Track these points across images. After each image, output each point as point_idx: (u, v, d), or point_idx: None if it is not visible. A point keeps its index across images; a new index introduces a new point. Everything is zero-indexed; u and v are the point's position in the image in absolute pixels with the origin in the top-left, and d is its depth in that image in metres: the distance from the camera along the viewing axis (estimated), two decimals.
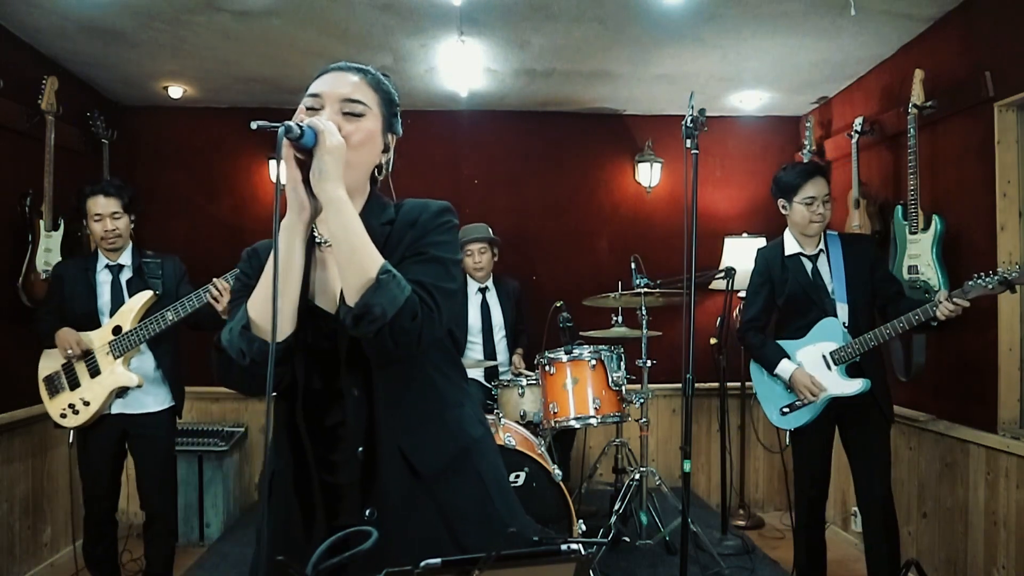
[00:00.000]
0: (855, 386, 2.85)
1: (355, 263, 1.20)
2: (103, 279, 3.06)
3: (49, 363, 3.06)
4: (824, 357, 2.89)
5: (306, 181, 1.22)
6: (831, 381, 2.88)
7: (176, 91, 4.27)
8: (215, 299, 2.87)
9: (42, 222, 3.46)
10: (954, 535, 3.24)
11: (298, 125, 1.18)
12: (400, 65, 3.90)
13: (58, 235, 3.52)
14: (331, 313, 1.31)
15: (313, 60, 3.75)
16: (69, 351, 2.94)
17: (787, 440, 3.10)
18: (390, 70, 3.97)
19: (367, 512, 1.27)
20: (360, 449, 1.29)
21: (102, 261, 3.07)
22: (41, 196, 3.45)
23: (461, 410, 1.41)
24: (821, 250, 2.98)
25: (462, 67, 3.86)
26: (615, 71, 4.06)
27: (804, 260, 2.98)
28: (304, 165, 1.22)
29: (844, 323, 2.89)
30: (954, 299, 2.56)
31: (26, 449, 3.52)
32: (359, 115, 1.31)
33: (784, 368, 2.94)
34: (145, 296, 3.00)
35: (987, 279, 2.50)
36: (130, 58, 3.75)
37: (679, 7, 3.14)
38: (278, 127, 1.16)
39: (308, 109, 1.31)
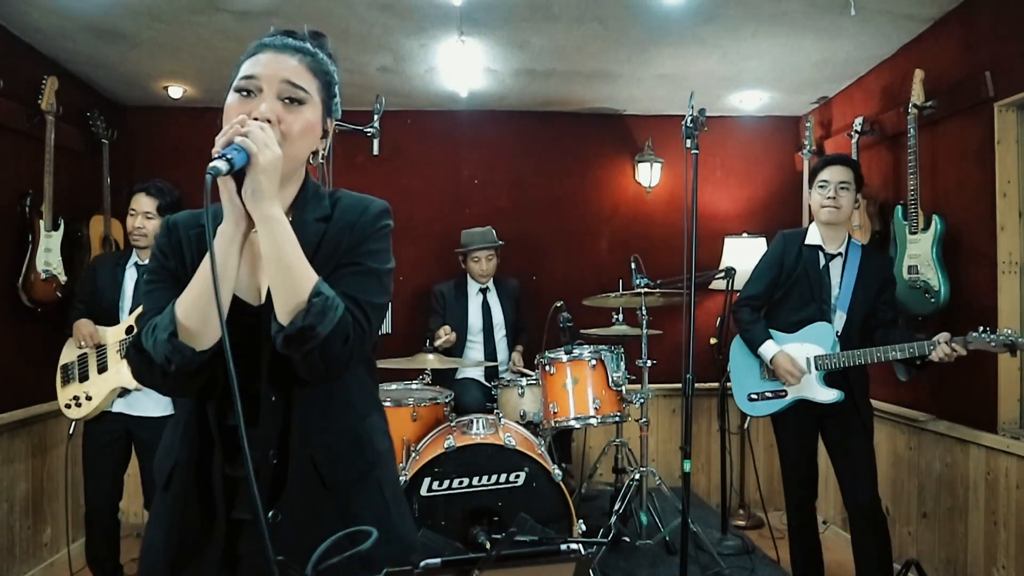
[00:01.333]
0: (829, 396, 2.86)
1: (288, 284, 1.16)
2: (129, 276, 3.15)
3: (69, 352, 3.17)
4: (808, 359, 2.88)
5: (239, 193, 1.16)
6: (807, 383, 2.89)
7: (176, 91, 4.26)
8: None
9: (42, 222, 3.45)
10: (954, 535, 3.24)
11: (227, 159, 1.09)
12: (400, 65, 3.91)
13: (58, 235, 3.52)
14: (252, 306, 1.27)
15: None
16: (82, 343, 3.06)
17: (747, 423, 3.09)
18: (390, 70, 4.00)
19: (270, 514, 1.24)
20: (272, 452, 1.26)
21: (132, 259, 3.18)
22: (41, 196, 3.45)
23: (371, 423, 1.40)
24: (840, 253, 2.94)
25: (462, 67, 3.86)
26: (615, 71, 4.06)
27: (821, 255, 2.95)
28: (237, 178, 1.14)
29: (837, 332, 2.89)
30: (953, 345, 2.57)
31: (26, 449, 3.52)
32: (300, 101, 1.25)
33: (768, 348, 2.92)
34: None
35: (991, 336, 2.51)
36: (130, 58, 3.75)
37: (679, 7, 3.14)
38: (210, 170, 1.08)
39: (241, 92, 1.24)
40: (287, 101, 1.24)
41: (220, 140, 1.13)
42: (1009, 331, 2.51)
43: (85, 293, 3.19)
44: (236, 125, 1.14)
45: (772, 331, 2.98)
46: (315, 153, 1.32)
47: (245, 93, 1.23)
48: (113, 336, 3.08)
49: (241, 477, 1.26)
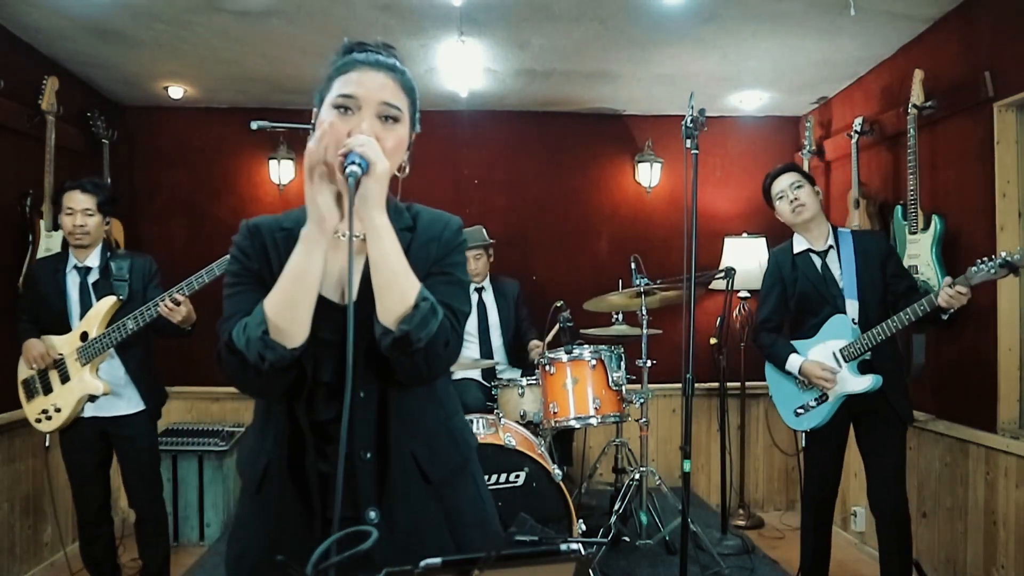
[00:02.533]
0: (866, 383, 2.81)
1: (395, 289, 1.21)
2: (72, 281, 3.02)
3: (26, 367, 3.04)
4: (834, 355, 2.86)
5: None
6: (842, 378, 2.85)
7: (176, 91, 4.27)
8: (169, 311, 2.82)
9: (42, 222, 3.45)
10: (954, 535, 3.24)
11: (358, 164, 1.16)
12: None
13: (58, 235, 3.51)
14: (338, 304, 1.30)
15: (313, 60, 3.75)
16: (34, 366, 2.96)
17: (801, 441, 3.06)
18: None
19: (371, 514, 1.26)
20: (364, 451, 1.28)
21: (71, 261, 3.03)
22: (41, 196, 3.45)
23: (461, 419, 1.46)
24: (831, 246, 2.96)
25: (462, 67, 3.87)
26: (615, 71, 4.06)
27: (813, 257, 2.97)
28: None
29: (854, 319, 2.86)
30: (957, 286, 2.53)
31: (26, 449, 3.52)
32: (395, 119, 1.30)
33: (793, 362, 2.94)
34: (108, 302, 2.95)
35: (989, 264, 2.47)
36: (130, 58, 3.75)
37: (679, 7, 3.15)
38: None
39: (339, 109, 1.27)
40: (384, 119, 1.29)
41: (335, 150, 1.19)
42: (1005, 253, 2.46)
43: (28, 304, 3.07)
44: (357, 137, 1.21)
45: (795, 341, 2.99)
46: (400, 168, 1.36)
47: (344, 110, 1.27)
48: (69, 345, 2.95)
49: (335, 474, 1.27)
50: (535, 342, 4.14)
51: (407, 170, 1.38)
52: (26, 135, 3.46)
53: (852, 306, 2.89)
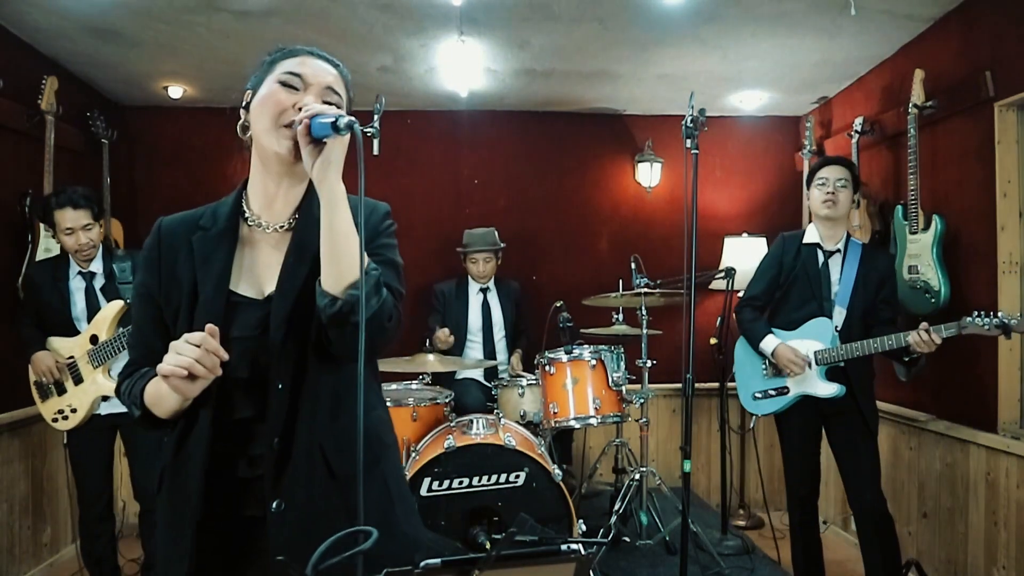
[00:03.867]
0: (830, 390, 2.88)
1: (347, 255, 1.20)
2: (76, 286, 3.07)
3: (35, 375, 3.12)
4: (809, 354, 2.92)
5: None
6: (808, 378, 2.91)
7: (176, 91, 4.27)
8: None
9: (41, 222, 3.45)
10: (954, 535, 3.24)
11: (346, 120, 1.17)
12: (400, 65, 3.90)
13: None
14: (255, 299, 1.31)
15: None
16: (44, 379, 3.02)
17: (752, 423, 3.10)
18: (390, 70, 3.99)
19: (274, 504, 1.25)
20: (276, 440, 1.27)
21: (74, 268, 3.07)
22: (41, 196, 3.44)
23: (378, 416, 1.44)
24: (839, 250, 2.98)
25: (462, 67, 3.86)
26: (615, 71, 4.06)
27: (819, 252, 3.00)
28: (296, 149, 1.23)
29: (837, 327, 2.90)
30: (932, 332, 2.60)
31: (26, 449, 3.52)
32: (336, 106, 1.31)
33: (768, 342, 2.99)
34: (116, 306, 3.01)
35: (986, 320, 2.52)
36: (130, 58, 3.75)
37: (679, 7, 3.14)
38: (332, 119, 1.16)
39: (285, 85, 1.29)
40: (324, 104, 1.30)
41: (306, 111, 1.20)
42: (1002, 314, 2.51)
43: (30, 309, 3.11)
44: (316, 105, 1.23)
45: (774, 329, 3.03)
46: None
47: (290, 87, 1.29)
48: (79, 348, 3.02)
49: (247, 477, 1.28)
50: (515, 359, 4.15)
51: None
52: (26, 135, 3.46)
53: (839, 314, 2.93)
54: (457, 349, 4.12)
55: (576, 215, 4.86)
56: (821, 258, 2.98)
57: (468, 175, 4.83)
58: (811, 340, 2.92)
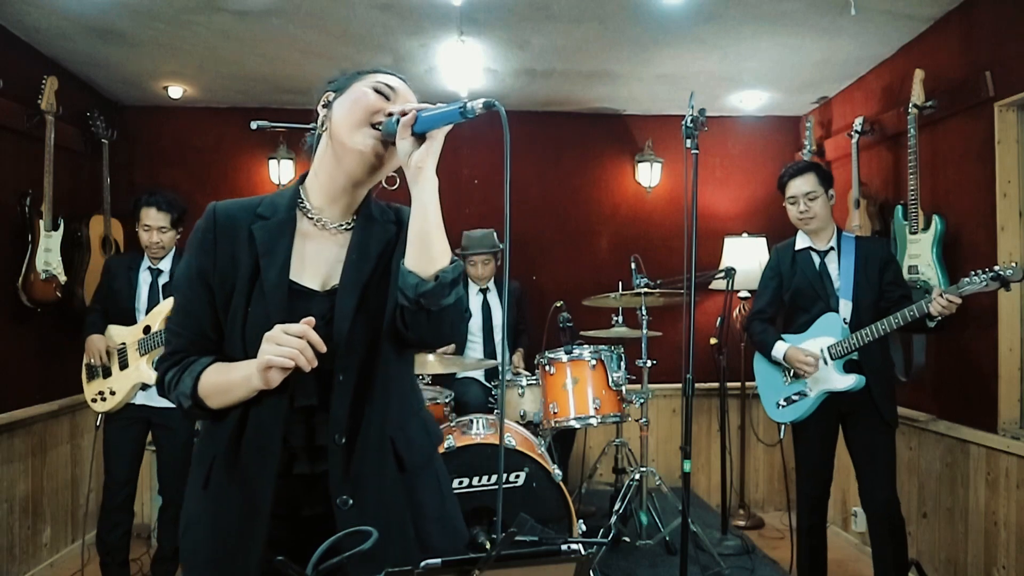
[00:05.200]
0: (848, 381, 2.85)
1: (439, 240, 1.26)
2: (144, 279, 3.29)
3: (87, 357, 3.29)
4: (822, 351, 2.90)
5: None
6: (825, 374, 2.89)
7: (176, 91, 4.26)
8: None
9: (42, 222, 3.45)
10: (954, 535, 3.24)
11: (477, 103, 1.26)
12: (400, 65, 3.90)
13: (58, 235, 3.52)
14: (317, 292, 1.32)
15: (313, 60, 3.75)
16: (92, 360, 3.19)
17: (780, 433, 3.12)
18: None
19: (341, 499, 1.24)
20: (338, 435, 1.26)
21: (145, 263, 3.31)
22: (41, 196, 3.44)
23: (428, 411, 1.49)
24: (832, 248, 3.00)
25: (462, 67, 3.86)
26: (615, 71, 4.06)
27: (813, 255, 3.02)
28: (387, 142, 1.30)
29: (845, 320, 2.89)
30: (947, 295, 2.56)
31: (26, 449, 3.52)
32: None
33: (778, 349, 3.00)
34: (171, 302, 3.08)
35: (981, 276, 2.50)
36: (130, 58, 3.75)
37: (679, 7, 3.14)
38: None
39: (380, 93, 1.34)
40: None
41: (412, 106, 1.29)
42: (998, 267, 2.49)
43: (101, 296, 3.34)
44: (371, 96, 1.33)
45: (786, 335, 3.03)
46: (391, 181, 1.43)
47: (383, 95, 1.35)
48: (132, 336, 3.20)
49: (312, 473, 1.27)
50: (516, 358, 4.15)
51: (397, 182, 1.41)
52: (26, 135, 3.45)
53: (845, 306, 2.93)
54: (457, 349, 4.12)
55: (576, 215, 4.86)
56: (817, 260, 3.00)
57: (468, 175, 4.83)
58: (822, 337, 2.91)
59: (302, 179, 1.41)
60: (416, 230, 1.26)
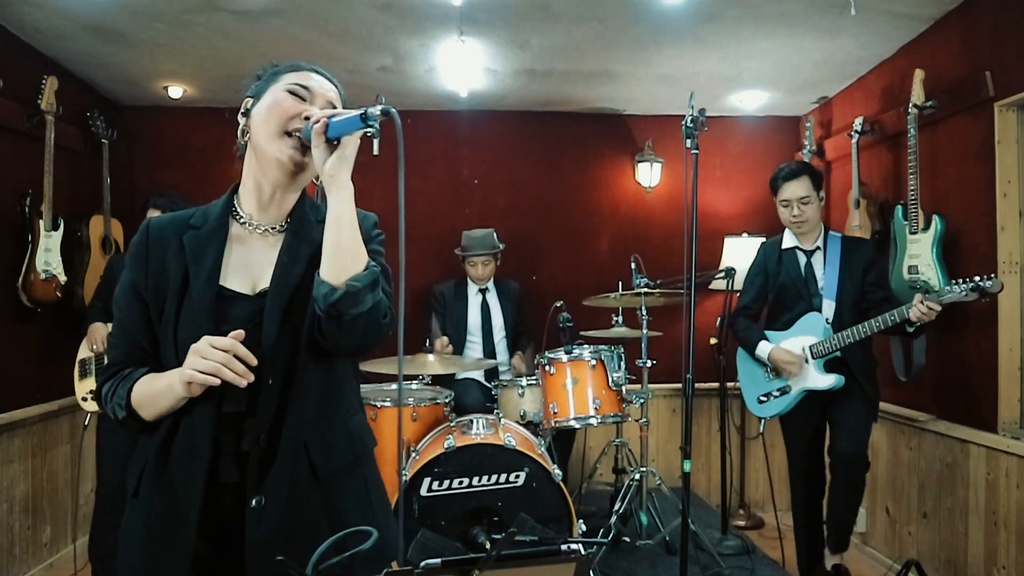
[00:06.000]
0: (828, 381, 2.94)
1: (353, 248, 1.25)
2: None
3: (86, 348, 3.41)
4: (804, 350, 2.96)
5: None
6: (807, 373, 2.97)
7: (176, 91, 4.26)
8: None
9: (42, 222, 3.45)
10: (954, 535, 3.24)
11: (374, 108, 1.23)
12: (400, 65, 3.90)
13: (58, 235, 3.52)
14: (247, 295, 1.32)
15: (313, 60, 3.73)
16: (95, 347, 3.31)
17: (762, 427, 3.24)
18: (390, 70, 3.99)
19: (255, 500, 1.24)
20: (263, 436, 1.26)
21: None
22: (41, 196, 3.44)
23: (360, 419, 1.45)
24: (818, 247, 3.07)
25: (462, 67, 3.86)
26: (615, 71, 4.06)
27: (799, 254, 3.09)
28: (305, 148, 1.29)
29: (828, 319, 2.95)
30: (927, 302, 2.61)
31: (26, 449, 3.52)
32: None
33: (762, 348, 3.07)
34: None
35: (962, 286, 2.54)
36: (130, 58, 3.75)
37: (679, 7, 3.14)
38: (362, 114, 1.23)
39: (294, 94, 1.34)
40: None
41: (322, 113, 1.27)
42: (978, 277, 2.53)
43: (103, 293, 3.39)
44: (287, 98, 1.33)
45: (769, 332, 3.10)
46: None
47: (298, 96, 1.35)
48: None
49: (227, 483, 1.27)
50: (516, 360, 4.15)
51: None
52: (26, 135, 3.45)
53: (828, 306, 2.99)
54: (457, 349, 4.12)
55: (576, 215, 4.86)
56: (803, 259, 3.07)
57: (468, 175, 4.83)
58: (803, 336, 2.99)
59: (235, 188, 1.44)
60: (330, 240, 1.25)
